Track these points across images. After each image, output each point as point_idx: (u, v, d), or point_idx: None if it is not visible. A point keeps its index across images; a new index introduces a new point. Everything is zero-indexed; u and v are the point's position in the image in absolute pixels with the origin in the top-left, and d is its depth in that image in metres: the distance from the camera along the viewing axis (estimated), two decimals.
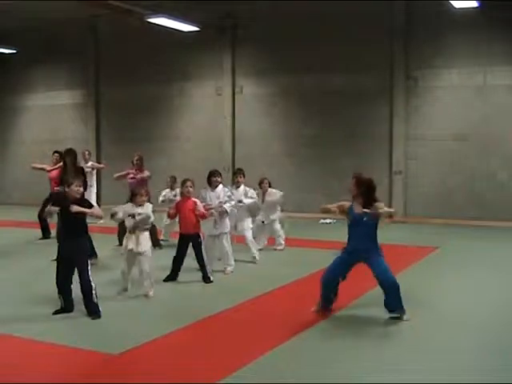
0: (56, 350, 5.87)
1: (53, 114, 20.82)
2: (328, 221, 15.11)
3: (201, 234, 8.85)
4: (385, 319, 6.77)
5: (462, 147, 15.23)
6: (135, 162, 11.76)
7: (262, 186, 11.31)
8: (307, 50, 16.54)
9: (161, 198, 11.78)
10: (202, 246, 8.76)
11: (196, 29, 16.00)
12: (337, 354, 5.74)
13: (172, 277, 8.75)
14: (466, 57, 15.14)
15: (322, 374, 5.23)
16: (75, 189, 7.01)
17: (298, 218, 15.27)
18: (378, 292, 6.98)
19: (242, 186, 10.52)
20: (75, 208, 6.82)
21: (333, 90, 16.44)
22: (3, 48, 19.31)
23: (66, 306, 7.02)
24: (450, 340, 6.15)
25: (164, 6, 15.20)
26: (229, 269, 9.38)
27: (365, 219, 6.73)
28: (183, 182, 8.89)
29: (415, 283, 8.32)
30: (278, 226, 11.41)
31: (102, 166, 16.48)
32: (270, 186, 11.33)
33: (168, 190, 11.79)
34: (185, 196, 8.82)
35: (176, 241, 9.08)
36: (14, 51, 19.42)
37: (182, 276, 8.81)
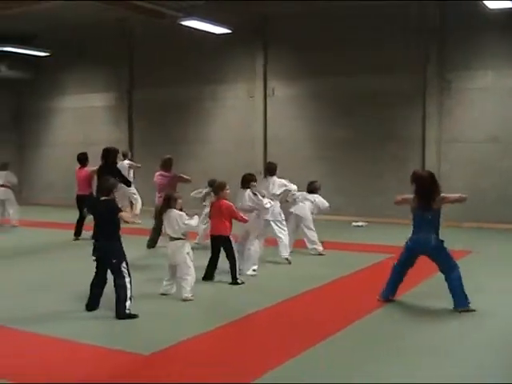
0: (86, 350, 5.94)
1: (86, 117, 21.02)
2: (360, 224, 14.98)
3: (231, 237, 8.87)
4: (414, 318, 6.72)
5: (495, 149, 15.01)
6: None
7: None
8: (340, 52, 16.46)
9: (195, 192, 11.70)
10: (234, 249, 8.80)
11: (228, 31, 16.03)
12: (368, 357, 5.70)
13: (208, 277, 8.83)
14: (502, 58, 14.90)
15: (355, 375, 5.20)
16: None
17: (331, 220, 15.17)
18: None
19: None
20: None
21: (365, 92, 16.33)
22: (37, 51, 19.52)
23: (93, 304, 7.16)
24: (481, 341, 6.11)
25: (196, 8, 15.23)
26: (252, 269, 9.39)
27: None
28: (223, 186, 8.93)
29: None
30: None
31: (138, 165, 16.51)
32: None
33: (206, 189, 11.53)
34: (221, 198, 8.86)
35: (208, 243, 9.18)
36: (48, 54, 19.62)
37: (216, 277, 8.89)
